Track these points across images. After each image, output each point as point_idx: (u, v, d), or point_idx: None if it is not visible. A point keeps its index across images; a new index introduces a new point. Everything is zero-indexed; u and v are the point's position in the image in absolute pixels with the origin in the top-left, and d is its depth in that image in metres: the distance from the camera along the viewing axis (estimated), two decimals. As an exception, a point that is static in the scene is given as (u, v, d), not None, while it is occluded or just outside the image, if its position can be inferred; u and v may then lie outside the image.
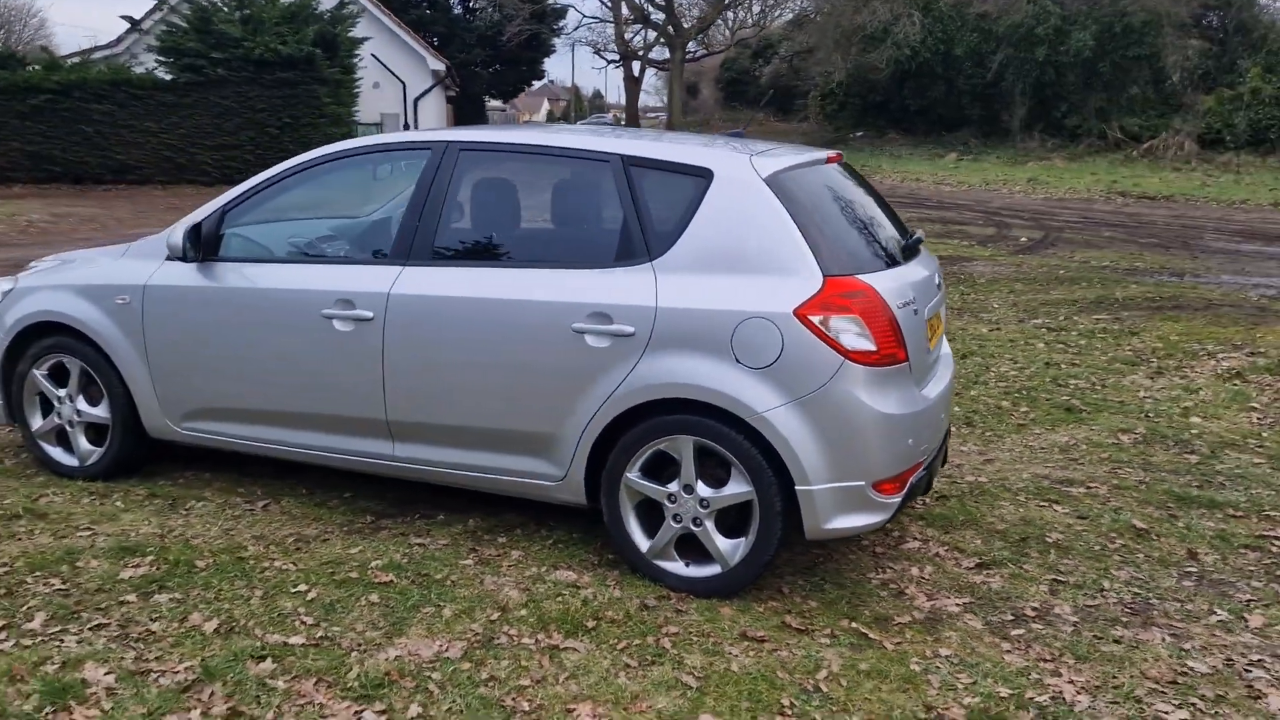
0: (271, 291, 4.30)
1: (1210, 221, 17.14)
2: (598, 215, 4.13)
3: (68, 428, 4.81)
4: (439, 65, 32.29)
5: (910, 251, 4.22)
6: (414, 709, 3.00)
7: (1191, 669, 3.41)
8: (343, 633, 3.42)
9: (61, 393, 4.77)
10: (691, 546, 3.85)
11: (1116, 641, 3.59)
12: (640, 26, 47.88)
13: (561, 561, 4.05)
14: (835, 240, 3.80)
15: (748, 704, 3.10)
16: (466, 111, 42.97)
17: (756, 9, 48.55)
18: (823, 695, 3.17)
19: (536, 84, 58.41)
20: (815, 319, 3.53)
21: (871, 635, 3.57)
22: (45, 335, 4.75)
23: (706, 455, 3.73)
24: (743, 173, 3.77)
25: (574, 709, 3.04)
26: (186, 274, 4.44)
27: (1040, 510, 4.76)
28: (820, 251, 3.64)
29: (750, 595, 3.82)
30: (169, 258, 4.47)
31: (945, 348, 4.58)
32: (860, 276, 3.66)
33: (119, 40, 27.19)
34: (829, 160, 4.31)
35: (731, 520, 3.79)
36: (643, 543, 3.88)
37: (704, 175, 3.81)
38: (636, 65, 49.88)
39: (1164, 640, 3.60)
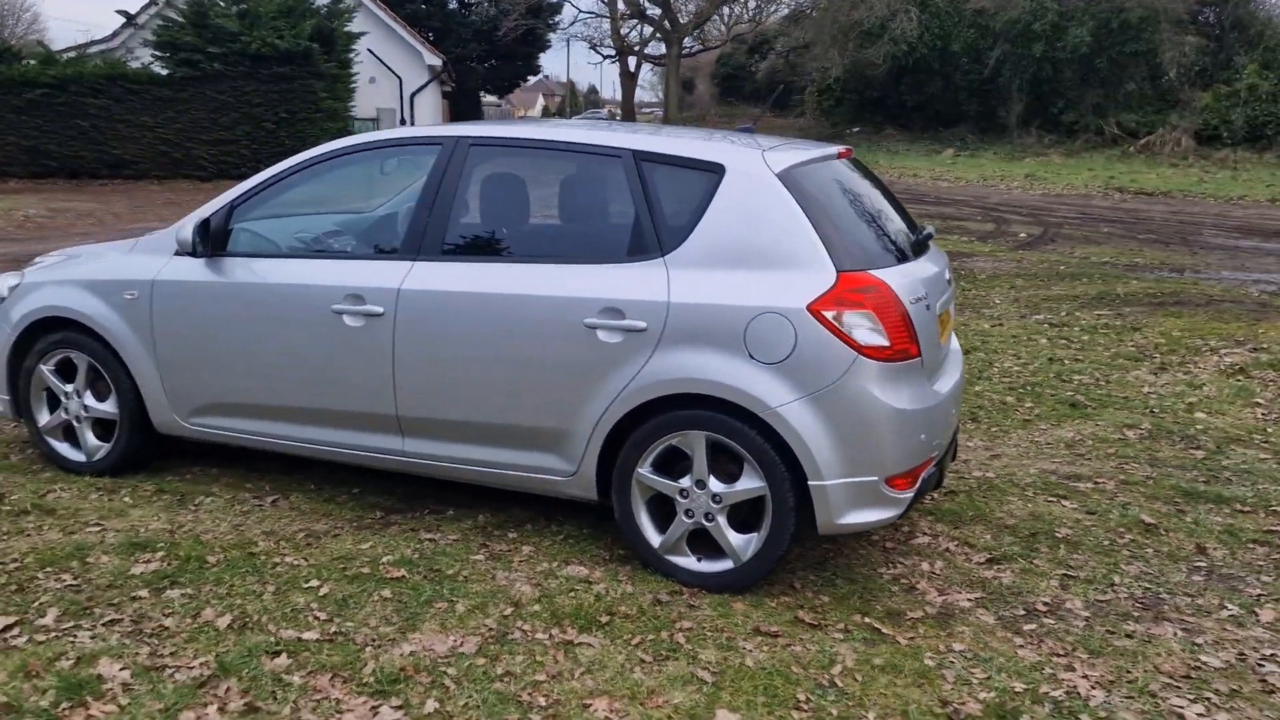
0: (281, 286, 4.29)
1: (1208, 218, 17.16)
2: (609, 210, 4.12)
3: (75, 423, 4.79)
4: (435, 60, 32.21)
5: (920, 247, 4.22)
6: (430, 704, 3.00)
7: (1205, 663, 3.42)
8: (356, 628, 3.42)
9: (68, 388, 4.75)
10: (703, 542, 3.84)
11: (1129, 636, 3.60)
12: (636, 21, 47.78)
13: (572, 557, 4.05)
14: (848, 235, 3.80)
15: (763, 699, 3.10)
16: (462, 107, 42.89)
17: (752, 4, 48.52)
18: (838, 690, 3.17)
19: (532, 79, 58.35)
20: (829, 314, 3.53)
21: (884, 630, 3.57)
22: (52, 330, 4.73)
23: (718, 450, 3.73)
24: (755, 168, 3.77)
25: (590, 704, 3.03)
26: (195, 269, 4.43)
27: (1048, 505, 4.77)
28: (833, 247, 3.64)
29: (762, 590, 3.83)
30: (177, 253, 4.45)
31: (954, 343, 4.58)
32: (873, 272, 3.66)
33: (114, 35, 27.11)
34: (840, 155, 4.30)
35: (743, 515, 3.79)
36: (654, 538, 3.88)
37: (716, 170, 3.81)
38: (632, 61, 49.80)
39: (1176, 635, 3.61)
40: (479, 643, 3.34)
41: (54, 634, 3.32)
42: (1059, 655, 3.45)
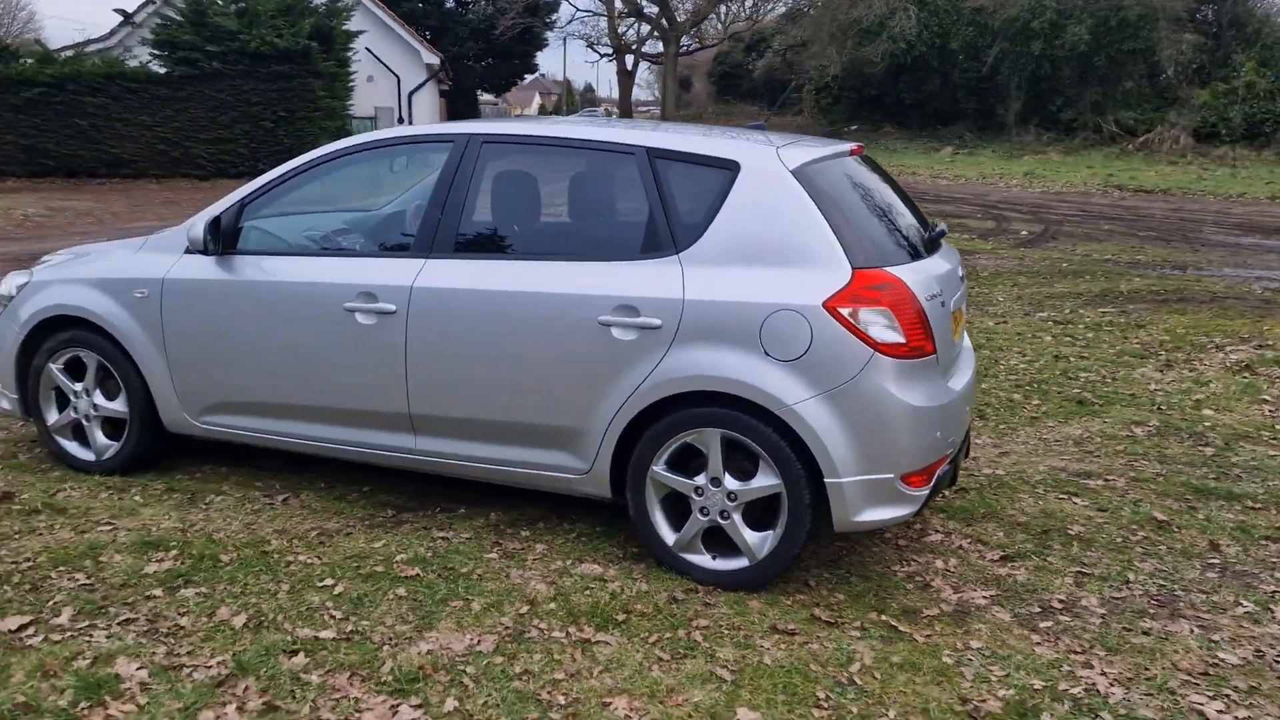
0: (293, 284, 4.27)
1: (1209, 215, 17.18)
2: (623, 208, 4.11)
3: (84, 422, 4.77)
4: (433, 59, 32.16)
5: (933, 244, 4.22)
6: (450, 703, 2.99)
7: (1222, 660, 3.41)
8: (373, 627, 3.41)
9: (78, 387, 4.74)
10: (717, 540, 3.84)
11: (1145, 633, 3.59)
12: (634, 20, 47.73)
13: (586, 555, 4.04)
14: (862, 232, 3.79)
15: (783, 697, 3.09)
16: (459, 106, 42.82)
17: (749, 2, 48.47)
18: (857, 688, 3.17)
19: (528, 78, 58.27)
20: (845, 311, 3.52)
21: (901, 628, 3.57)
22: (61, 329, 4.71)
23: (733, 448, 3.72)
24: (770, 164, 3.76)
25: (610, 702, 3.03)
26: (206, 267, 4.41)
27: (1060, 503, 4.76)
28: (848, 244, 3.63)
29: (777, 588, 3.82)
30: (188, 251, 4.44)
31: (966, 341, 4.57)
32: (888, 269, 3.65)
33: (111, 34, 27.04)
34: (852, 153, 4.29)
35: (756, 513, 3.78)
36: (669, 536, 3.87)
37: (730, 167, 3.80)
38: (629, 59, 49.77)
39: (1192, 632, 3.61)
40: (496, 641, 3.33)
41: (70, 633, 3.31)
42: (1076, 652, 3.45)
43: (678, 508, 3.88)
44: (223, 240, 4.37)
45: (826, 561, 4.09)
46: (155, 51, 23.25)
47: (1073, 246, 13.48)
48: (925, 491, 3.71)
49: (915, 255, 3.93)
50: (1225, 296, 9.88)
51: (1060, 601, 3.83)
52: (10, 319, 4.82)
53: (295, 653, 3.21)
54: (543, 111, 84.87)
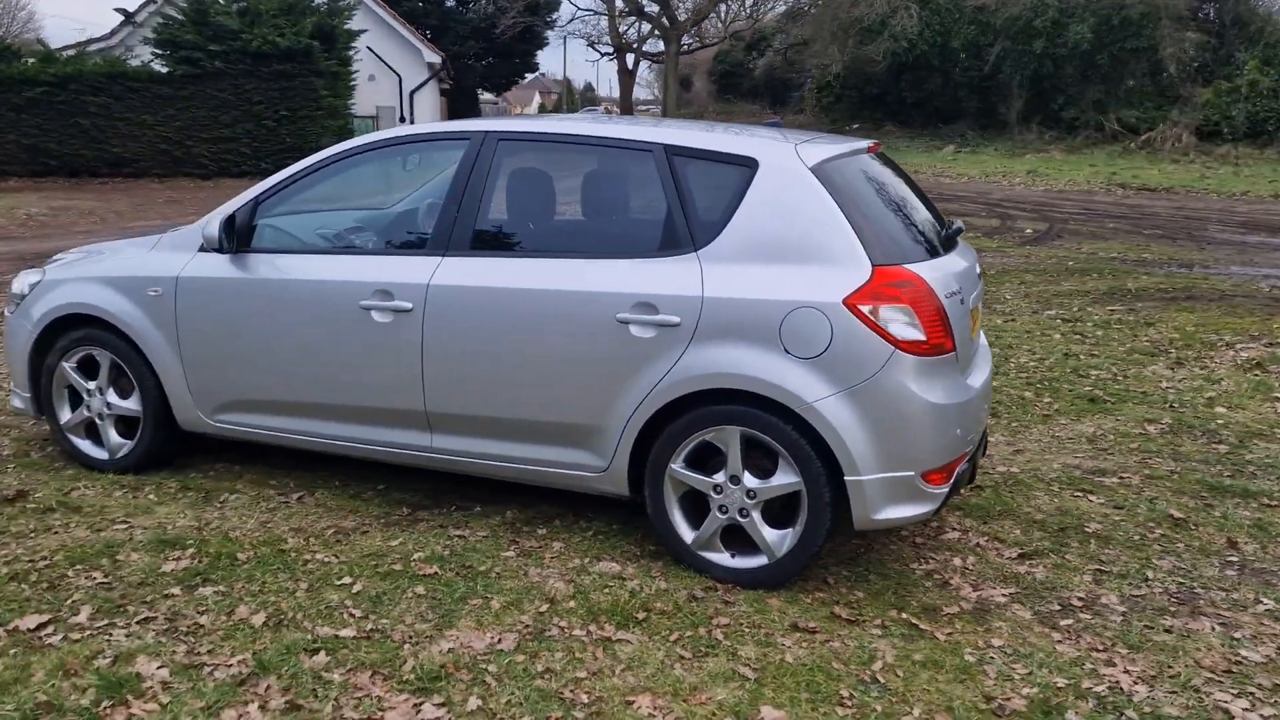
0: (308, 283, 4.26)
1: (1213, 213, 17.16)
2: (640, 205, 4.10)
3: (97, 420, 4.76)
4: (434, 58, 32.16)
5: (950, 242, 4.20)
6: (473, 701, 2.97)
7: (1245, 658, 3.40)
8: (392, 625, 3.39)
9: (91, 385, 4.72)
10: (736, 537, 3.82)
11: (1167, 631, 3.58)
12: (634, 19, 47.70)
13: (604, 553, 4.02)
14: (881, 229, 3.78)
15: (807, 695, 3.08)
16: (459, 104, 42.79)
17: (750, 1, 48.44)
18: (881, 686, 3.15)
19: (529, 77, 58.24)
20: (865, 308, 3.51)
21: (922, 626, 3.56)
22: (74, 327, 4.70)
23: (752, 446, 3.70)
24: (789, 161, 3.75)
25: (633, 701, 3.01)
26: (220, 265, 4.40)
27: (1075, 500, 4.75)
28: (868, 241, 3.62)
29: (796, 586, 3.81)
30: (203, 249, 4.42)
31: (982, 339, 4.56)
32: (908, 266, 3.64)
33: (112, 33, 27.04)
34: (869, 150, 4.28)
35: (775, 511, 3.77)
36: (687, 534, 3.86)
37: (749, 164, 3.78)
38: (630, 58, 49.74)
39: (1214, 630, 3.60)
40: (517, 639, 3.32)
41: (89, 632, 3.30)
42: (1098, 650, 3.44)
43: (696, 505, 3.87)
44: (237, 238, 4.35)
45: (844, 559, 4.08)
46: (157, 51, 23.27)
47: (1078, 245, 13.47)
48: (945, 489, 3.70)
49: (933, 253, 3.92)
50: (1233, 294, 9.86)
51: (1080, 599, 3.81)
52: (23, 317, 4.81)
53: (316, 651, 3.20)
54: (542, 110, 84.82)
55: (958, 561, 4.11)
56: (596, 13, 48.73)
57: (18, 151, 22.65)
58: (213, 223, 4.33)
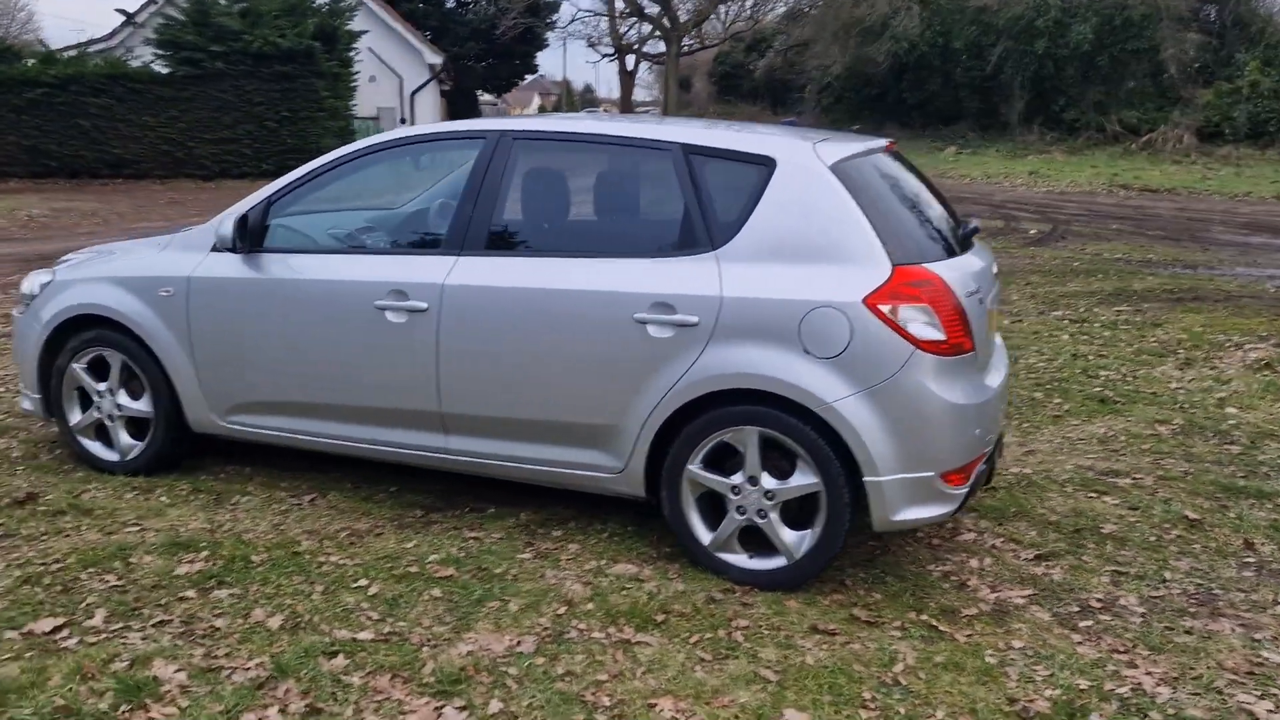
0: (322, 283, 4.24)
1: (1215, 214, 17.15)
2: (658, 204, 4.09)
3: (108, 422, 4.73)
4: (435, 59, 32.16)
5: (966, 241, 4.18)
6: (494, 705, 2.95)
7: (1267, 659, 3.38)
8: (410, 628, 3.37)
9: (102, 387, 4.70)
10: (753, 539, 3.80)
11: (1187, 632, 3.56)
12: (635, 20, 47.71)
13: (620, 554, 4.00)
14: (900, 229, 3.76)
15: (829, 698, 3.06)
16: (459, 106, 42.76)
17: (750, 2, 48.45)
18: (903, 689, 3.13)
19: (529, 78, 58.23)
20: (885, 308, 3.49)
21: (941, 628, 3.53)
22: (85, 328, 4.67)
23: (770, 446, 3.68)
24: (807, 160, 3.73)
25: (655, 704, 2.99)
26: (233, 265, 4.38)
27: (1090, 501, 4.73)
28: (887, 240, 3.60)
29: (814, 588, 3.78)
30: (215, 249, 4.40)
31: (999, 339, 4.54)
32: (927, 265, 3.62)
33: (113, 34, 27.04)
34: (886, 149, 4.26)
35: (793, 513, 3.75)
36: (704, 535, 3.84)
37: (766, 163, 3.76)
38: (631, 59, 49.76)
39: (1234, 631, 3.57)
40: (536, 642, 3.30)
41: (104, 635, 3.28)
42: (1119, 652, 3.42)
43: (713, 507, 3.85)
44: (250, 238, 4.33)
45: (861, 561, 4.06)
46: (158, 52, 23.25)
47: (1082, 245, 13.45)
48: (964, 490, 3.69)
49: (950, 252, 3.90)
50: (1240, 295, 9.84)
51: (1099, 601, 3.79)
52: (33, 318, 4.79)
53: (334, 654, 3.18)
54: (542, 111, 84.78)
55: (974, 563, 4.09)
56: (597, 14, 48.82)
57: (18, 153, 22.64)
58: (226, 222, 4.31)
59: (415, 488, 4.66)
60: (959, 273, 3.74)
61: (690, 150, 3.86)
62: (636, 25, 48.29)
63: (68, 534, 4.07)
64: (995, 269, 4.36)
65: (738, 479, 3.72)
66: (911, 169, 4.41)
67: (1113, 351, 7.65)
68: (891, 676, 3.20)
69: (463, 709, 2.93)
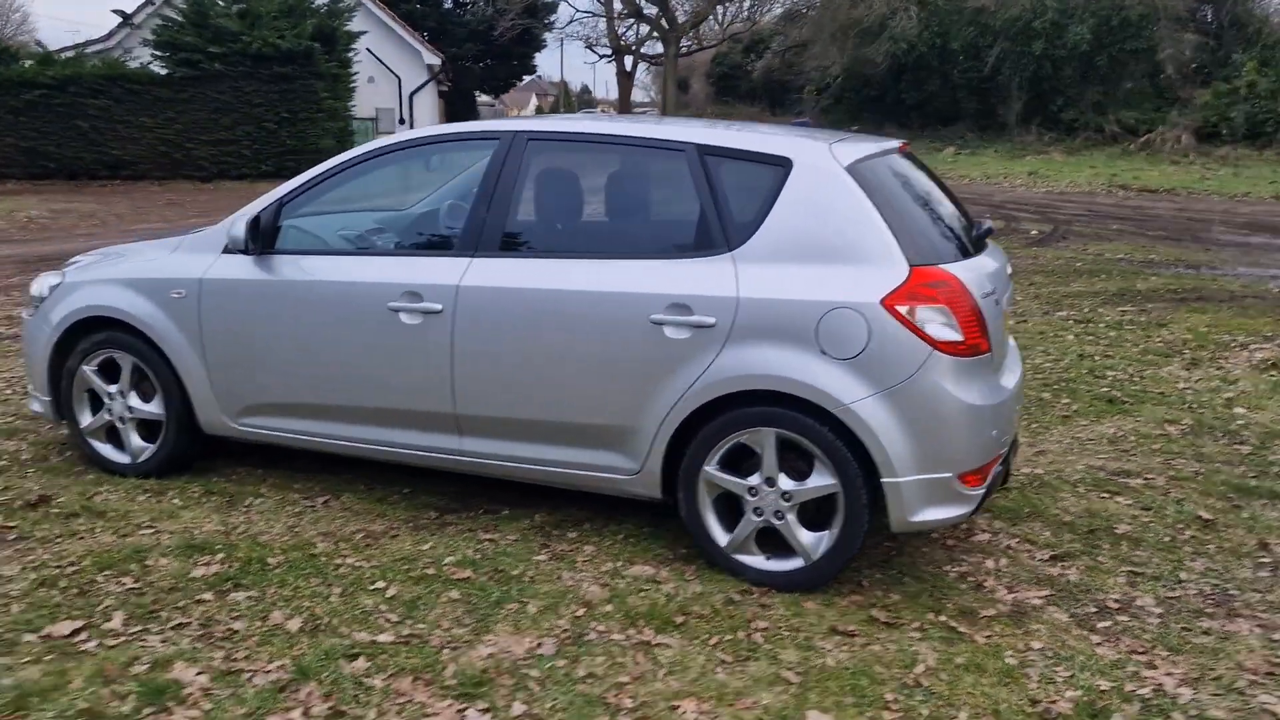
0: (336, 284, 4.23)
1: (1215, 214, 17.16)
2: (673, 205, 4.08)
3: (119, 424, 4.72)
4: (434, 60, 32.12)
5: (980, 242, 4.18)
6: (518, 707, 2.95)
7: (1287, 660, 3.38)
8: (430, 630, 3.37)
9: (112, 389, 4.68)
10: (770, 540, 3.80)
11: (1205, 633, 3.56)
12: (633, 21, 47.68)
13: (636, 556, 4.00)
14: (916, 229, 3.76)
15: (852, 700, 3.06)
16: (458, 107, 42.72)
17: (748, 3, 48.44)
18: (925, 690, 3.13)
19: (526, 79, 58.19)
20: (902, 309, 3.49)
21: (960, 629, 3.53)
22: (95, 330, 4.66)
23: (786, 447, 3.68)
24: (823, 161, 3.73)
25: (678, 706, 2.99)
26: (245, 267, 4.36)
27: (1103, 502, 4.73)
28: (903, 241, 3.60)
29: (831, 589, 3.78)
30: (228, 250, 4.39)
31: (1011, 340, 4.54)
32: (943, 266, 3.62)
33: (110, 35, 26.98)
34: (900, 149, 4.26)
35: (809, 514, 3.74)
36: (721, 537, 3.83)
37: (783, 164, 3.76)
38: (629, 60, 49.73)
39: (1253, 631, 3.57)
40: (556, 644, 3.30)
41: (123, 638, 3.27)
42: (1139, 653, 3.41)
43: (730, 508, 3.84)
44: (262, 240, 4.32)
45: (877, 562, 4.06)
46: (157, 53, 23.20)
47: (1084, 246, 13.46)
48: (981, 491, 3.69)
49: (965, 253, 3.90)
50: (1243, 295, 9.86)
51: (1116, 601, 3.79)
52: (42, 320, 4.77)
53: (355, 657, 3.17)
54: (539, 113, 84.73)
55: (990, 564, 4.08)
56: (595, 15, 48.77)
57: (16, 154, 22.60)
58: (238, 224, 4.30)
59: (429, 489, 4.65)
60: (975, 273, 3.75)
61: (706, 151, 3.85)
62: (634, 26, 48.28)
63: (82, 536, 4.05)
64: (1009, 270, 4.36)
65: (755, 480, 3.72)
66: (925, 170, 4.41)
67: (1119, 352, 7.65)
68: (913, 678, 3.19)
69: (486, 711, 2.93)
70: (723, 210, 3.78)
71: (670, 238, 4.03)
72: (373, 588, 3.64)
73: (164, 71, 23.37)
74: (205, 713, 2.86)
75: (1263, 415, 6.09)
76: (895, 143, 4.28)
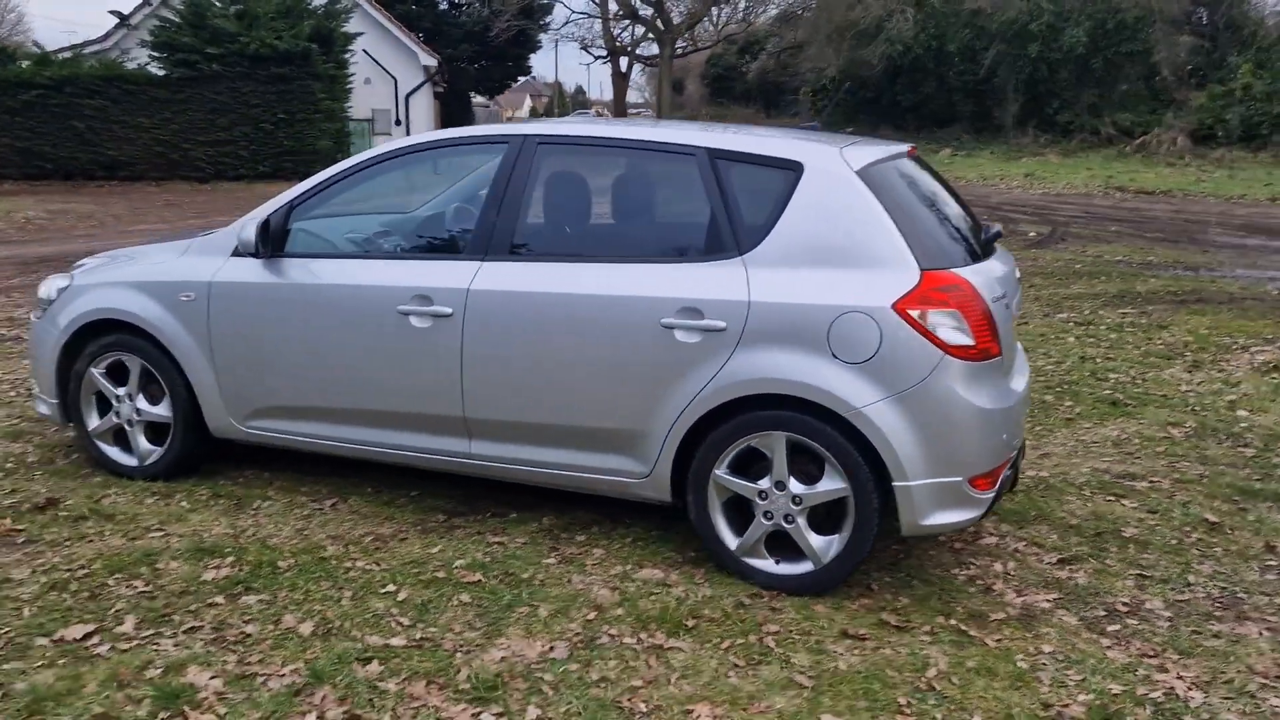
0: (344, 287, 4.23)
1: (1211, 216, 17.21)
2: (684, 209, 4.08)
3: (127, 427, 4.71)
4: (430, 61, 32.10)
5: (988, 246, 4.20)
6: (532, 711, 2.95)
7: (1297, 663, 3.39)
8: (441, 633, 3.37)
9: (120, 391, 4.68)
10: (780, 543, 3.80)
11: (1215, 636, 3.57)
12: (628, 22, 47.70)
13: (645, 559, 4.00)
14: (927, 234, 3.77)
15: (865, 704, 3.06)
16: (453, 108, 42.72)
17: (743, 4, 48.48)
18: (938, 694, 3.14)
19: (521, 80, 58.18)
20: (914, 313, 3.50)
21: (971, 632, 3.54)
22: (103, 333, 4.65)
23: (797, 451, 3.68)
24: (834, 165, 3.73)
25: (692, 710, 2.99)
26: (254, 270, 4.36)
27: (1109, 505, 4.75)
28: (914, 245, 3.60)
29: (841, 592, 3.79)
30: (237, 253, 4.39)
31: (1018, 344, 4.55)
32: (954, 270, 3.63)
33: (107, 36, 26.94)
34: (908, 153, 4.27)
35: (819, 518, 3.75)
36: (731, 540, 3.84)
37: (794, 168, 3.77)
38: (624, 61, 49.74)
39: (1262, 634, 3.59)
40: (569, 648, 3.30)
41: (136, 642, 3.27)
42: (1149, 656, 3.42)
43: (739, 511, 3.85)
44: (272, 243, 4.32)
45: (886, 565, 4.07)
46: (154, 54, 23.17)
47: (1082, 248, 13.49)
48: (991, 494, 3.69)
49: (975, 257, 3.91)
50: (1243, 297, 9.89)
51: (1125, 604, 3.80)
52: (50, 323, 4.77)
53: (368, 660, 3.17)
54: (534, 114, 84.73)
55: (998, 567, 4.09)
56: (590, 16, 48.80)
57: (12, 155, 22.54)
58: (248, 227, 4.30)
59: (436, 492, 4.65)
60: (985, 277, 3.75)
61: (716, 155, 3.86)
62: (630, 27, 48.31)
63: (91, 539, 4.05)
64: (1018, 274, 4.37)
65: (765, 484, 3.72)
66: (933, 174, 4.42)
67: (1120, 354, 7.67)
68: (925, 682, 3.20)
69: (500, 715, 2.93)
70: (734, 214, 3.79)
71: (681, 242, 4.04)
72: (383, 591, 3.64)
73: (161, 72, 23.34)
74: (221, 717, 2.86)
75: (1266, 418, 6.11)
76: (904, 146, 4.29)
